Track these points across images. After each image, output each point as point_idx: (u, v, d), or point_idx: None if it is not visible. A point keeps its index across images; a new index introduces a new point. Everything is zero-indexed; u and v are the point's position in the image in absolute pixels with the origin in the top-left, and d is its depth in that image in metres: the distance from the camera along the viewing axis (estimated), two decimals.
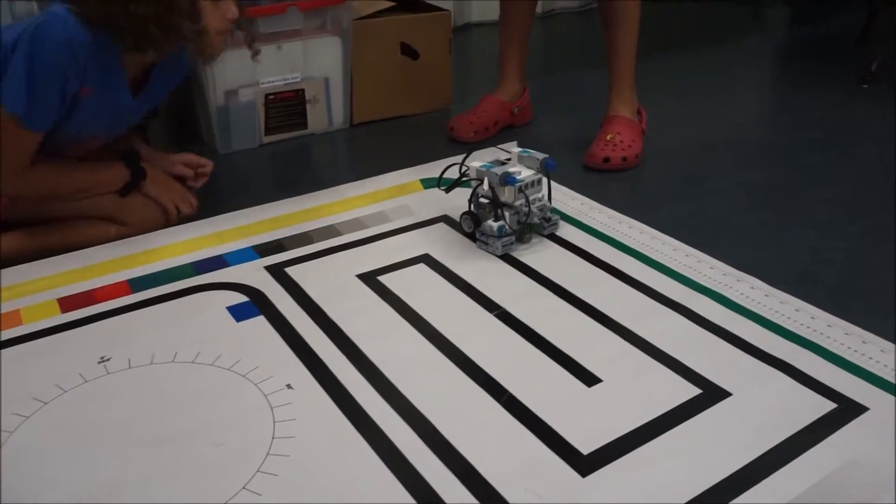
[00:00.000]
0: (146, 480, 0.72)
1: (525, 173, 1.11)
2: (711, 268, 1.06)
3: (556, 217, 1.16)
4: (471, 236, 1.13)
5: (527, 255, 1.09)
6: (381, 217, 1.22)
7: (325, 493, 0.70)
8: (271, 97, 1.53)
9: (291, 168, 1.50)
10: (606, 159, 1.39)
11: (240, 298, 1.01)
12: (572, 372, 0.86)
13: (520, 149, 1.16)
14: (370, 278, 1.05)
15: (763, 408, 0.80)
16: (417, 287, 1.03)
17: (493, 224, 1.09)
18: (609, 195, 1.29)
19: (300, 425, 0.78)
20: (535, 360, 0.88)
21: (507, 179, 1.08)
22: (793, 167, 1.43)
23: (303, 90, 1.56)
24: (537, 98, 1.68)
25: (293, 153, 1.55)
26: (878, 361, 0.87)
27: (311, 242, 1.15)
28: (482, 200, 1.12)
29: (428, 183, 1.33)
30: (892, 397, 0.81)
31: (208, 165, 1.27)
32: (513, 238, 1.10)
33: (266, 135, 1.56)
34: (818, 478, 0.71)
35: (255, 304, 0.99)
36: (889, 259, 1.11)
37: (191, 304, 1.00)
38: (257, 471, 0.72)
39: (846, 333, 0.92)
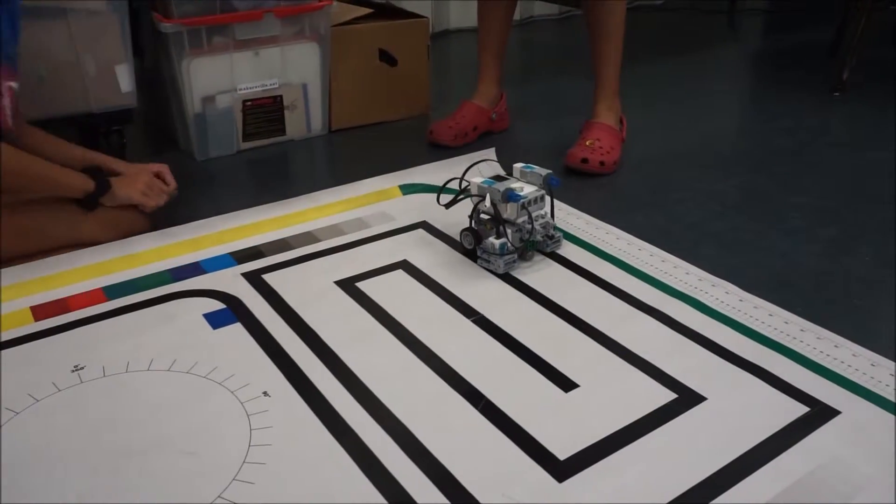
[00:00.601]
0: (119, 490, 0.71)
1: (527, 189, 1.09)
2: (687, 273, 1.08)
3: (558, 234, 1.14)
4: (471, 254, 1.11)
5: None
6: (359, 223, 1.22)
7: (301, 501, 0.70)
8: (249, 103, 1.53)
9: (269, 174, 1.49)
10: (584, 160, 1.41)
11: (217, 306, 1.00)
12: (549, 377, 0.86)
13: (522, 164, 1.14)
14: (348, 285, 1.05)
15: (737, 412, 0.81)
16: (396, 293, 1.03)
17: (494, 241, 1.06)
18: (586, 201, 1.30)
19: (277, 433, 0.78)
20: (513, 366, 0.89)
21: (510, 196, 1.05)
22: (766, 174, 1.45)
23: (280, 96, 1.56)
24: (515, 105, 1.69)
25: (271, 160, 1.54)
26: (849, 365, 0.88)
27: (288, 249, 1.15)
28: (483, 217, 1.09)
29: (407, 189, 1.33)
30: (863, 400, 0.83)
31: (171, 185, 1.23)
32: (515, 256, 1.08)
33: (244, 141, 1.56)
34: (791, 481, 0.72)
35: (232, 312, 0.99)
36: (860, 263, 1.13)
37: (167, 312, 0.99)
38: (233, 479, 0.72)
39: (818, 338, 0.93)
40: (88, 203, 1.11)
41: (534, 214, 1.09)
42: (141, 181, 1.16)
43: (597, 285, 1.05)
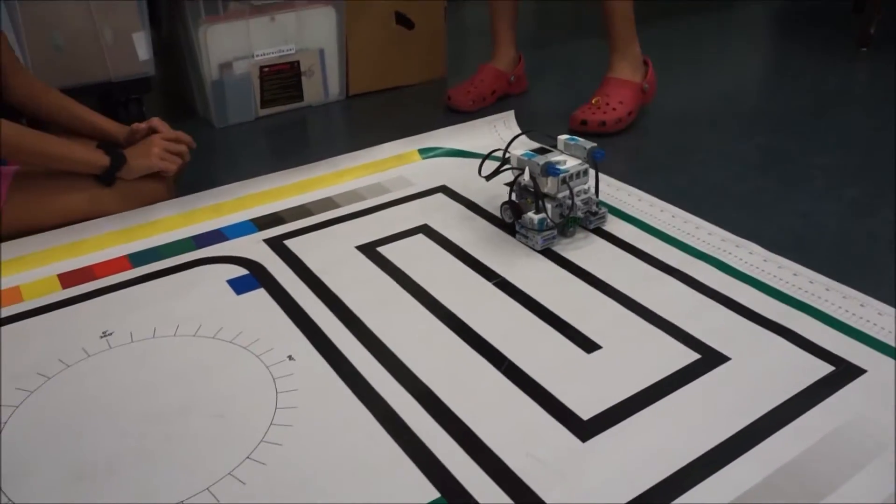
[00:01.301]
0: (148, 453, 0.72)
1: (570, 163, 1.04)
2: (710, 234, 1.07)
3: (603, 210, 1.08)
4: (510, 228, 1.08)
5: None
6: (379, 188, 1.22)
7: (328, 462, 0.71)
8: (266, 69, 1.52)
9: (288, 141, 1.49)
10: (584, 122, 1.40)
11: (239, 272, 1.01)
12: (571, 339, 0.87)
13: (566, 136, 1.09)
14: (369, 249, 1.05)
15: (761, 371, 0.81)
16: (416, 257, 1.03)
17: (533, 217, 1.02)
18: (605, 162, 1.29)
19: (302, 396, 0.79)
20: (535, 328, 0.89)
21: (549, 169, 1.01)
22: (789, 133, 1.43)
23: (298, 62, 1.55)
24: (532, 68, 1.67)
25: (290, 126, 1.54)
26: (875, 324, 0.88)
27: (309, 215, 1.15)
28: (523, 190, 1.05)
29: (426, 153, 1.32)
30: (890, 359, 0.82)
31: (186, 140, 1.19)
32: (554, 232, 1.03)
33: (262, 108, 1.55)
34: (816, 439, 0.72)
35: (254, 277, 0.99)
36: (885, 222, 1.11)
37: (191, 278, 1.00)
38: (261, 441, 0.73)
39: (844, 297, 0.93)
40: (106, 179, 1.11)
41: (575, 189, 1.04)
42: (156, 147, 1.14)
43: (618, 247, 1.05)
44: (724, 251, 1.02)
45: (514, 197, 1.07)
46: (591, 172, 1.08)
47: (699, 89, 1.66)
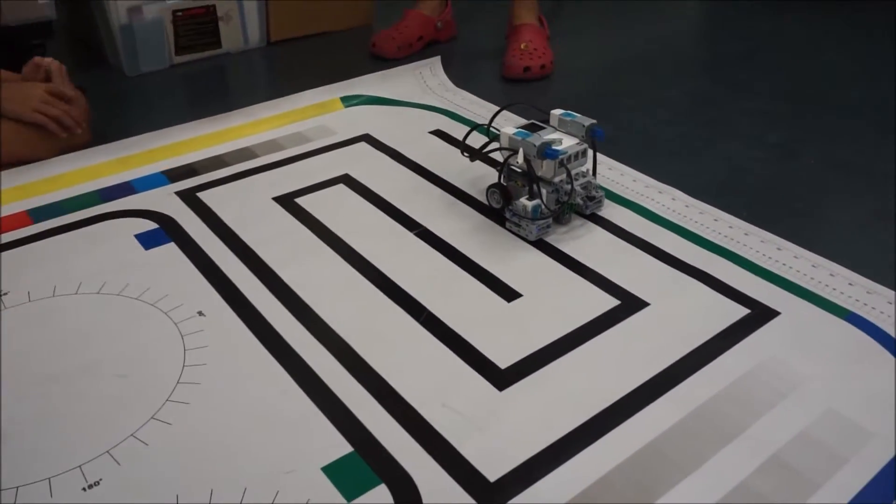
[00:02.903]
0: (47, 415, 0.68)
1: (567, 142, 0.94)
2: (634, 180, 1.06)
3: (600, 194, 0.98)
4: (498, 214, 0.98)
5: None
6: (299, 138, 1.18)
7: (237, 419, 0.68)
8: (179, 14, 1.44)
9: (205, 89, 1.42)
10: (527, 68, 1.38)
11: (149, 226, 0.96)
12: (492, 288, 0.85)
13: (561, 111, 0.97)
14: (287, 201, 1.01)
15: (679, 316, 0.81)
16: (336, 208, 1.00)
17: (526, 203, 0.91)
18: (530, 110, 1.26)
19: (212, 352, 0.76)
20: (456, 278, 0.87)
21: (547, 152, 0.89)
22: (716, 80, 1.43)
23: (214, 6, 1.47)
24: (462, 13, 1.62)
25: (207, 74, 1.47)
26: (791, 267, 0.89)
27: (224, 166, 1.10)
28: (513, 171, 0.95)
29: (349, 101, 1.28)
30: (803, 301, 0.83)
31: (77, 106, 1.10)
32: (549, 220, 0.93)
33: (177, 55, 1.47)
34: (730, 381, 0.73)
35: (164, 232, 0.95)
36: (805, 167, 1.12)
37: (96, 234, 0.95)
38: (166, 400, 0.70)
39: (762, 241, 0.93)
40: None
41: (573, 172, 0.94)
42: (36, 96, 1.06)
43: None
44: (647, 197, 1.02)
45: (502, 179, 0.96)
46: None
47: (625, 36, 1.65)
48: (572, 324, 0.80)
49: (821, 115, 1.28)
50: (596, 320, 0.80)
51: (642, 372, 0.74)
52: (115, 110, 1.30)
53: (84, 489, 0.62)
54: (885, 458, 0.65)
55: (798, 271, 0.88)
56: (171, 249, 0.91)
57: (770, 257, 0.90)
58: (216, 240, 0.93)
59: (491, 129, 1.03)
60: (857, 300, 0.83)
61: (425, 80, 1.36)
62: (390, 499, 0.61)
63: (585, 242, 0.93)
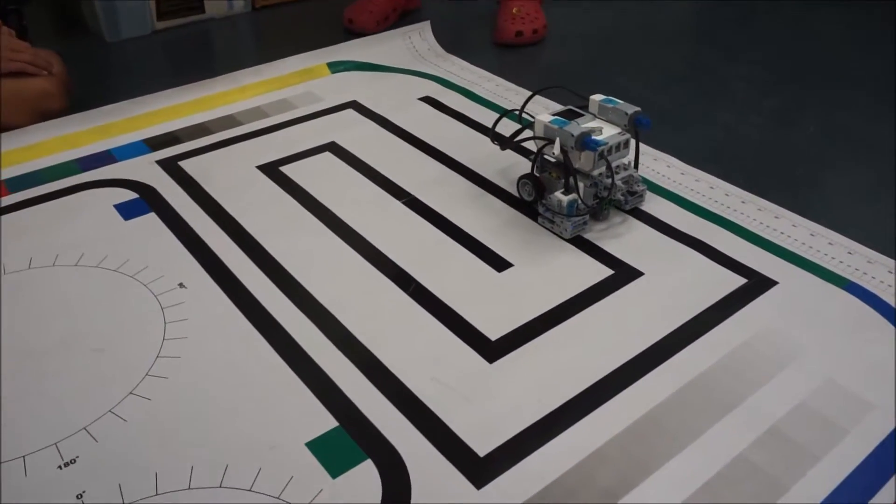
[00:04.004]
0: (21, 393, 0.66)
1: (608, 132, 0.85)
2: None
3: (642, 188, 0.90)
4: (529, 207, 0.90)
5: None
6: (284, 104, 1.14)
7: (218, 393, 0.66)
8: None
9: (188, 56, 1.38)
10: (519, 33, 1.34)
11: (129, 195, 0.93)
12: (483, 257, 0.83)
13: (602, 97, 0.89)
14: (272, 169, 0.98)
15: (674, 286, 0.79)
16: (322, 176, 0.97)
17: (562, 198, 0.83)
18: (523, 77, 1.23)
19: (193, 325, 0.73)
20: (445, 248, 0.84)
21: (587, 142, 0.81)
22: (712, 45, 1.40)
23: None
24: None
25: (190, 40, 1.43)
26: (789, 236, 0.87)
27: (207, 134, 1.07)
28: (548, 162, 0.86)
29: (335, 67, 1.24)
30: (801, 270, 0.81)
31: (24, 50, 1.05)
32: (586, 217, 0.85)
33: (159, 20, 1.43)
34: (726, 351, 0.71)
35: (145, 201, 0.92)
36: (803, 135, 1.10)
37: (74, 204, 0.92)
38: (146, 374, 0.68)
39: (759, 209, 0.91)
40: None
41: (614, 164, 0.86)
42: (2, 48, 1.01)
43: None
44: (642, 165, 0.99)
45: (535, 170, 0.88)
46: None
47: (615, 3, 1.61)
48: (565, 294, 0.77)
49: (818, 82, 1.25)
50: (590, 290, 0.78)
51: (637, 343, 0.72)
52: (95, 77, 1.26)
53: (60, 467, 0.60)
54: (885, 430, 0.63)
55: (796, 240, 0.86)
56: (151, 220, 0.88)
57: (767, 226, 0.88)
58: (198, 210, 0.90)
59: (523, 115, 0.95)
60: (856, 269, 0.81)
61: (414, 45, 1.32)
62: (376, 474, 0.59)
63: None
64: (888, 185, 0.97)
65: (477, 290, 0.78)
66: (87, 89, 1.18)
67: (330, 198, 0.92)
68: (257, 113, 1.12)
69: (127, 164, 1.00)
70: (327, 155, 1.02)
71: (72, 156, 1.01)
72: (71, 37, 1.42)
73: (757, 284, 0.79)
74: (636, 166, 0.90)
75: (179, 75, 1.23)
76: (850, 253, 0.84)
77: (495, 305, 0.76)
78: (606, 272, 0.80)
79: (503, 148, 0.94)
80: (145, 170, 0.98)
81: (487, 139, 1.05)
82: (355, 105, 1.14)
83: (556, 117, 0.85)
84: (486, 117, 1.10)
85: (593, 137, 0.82)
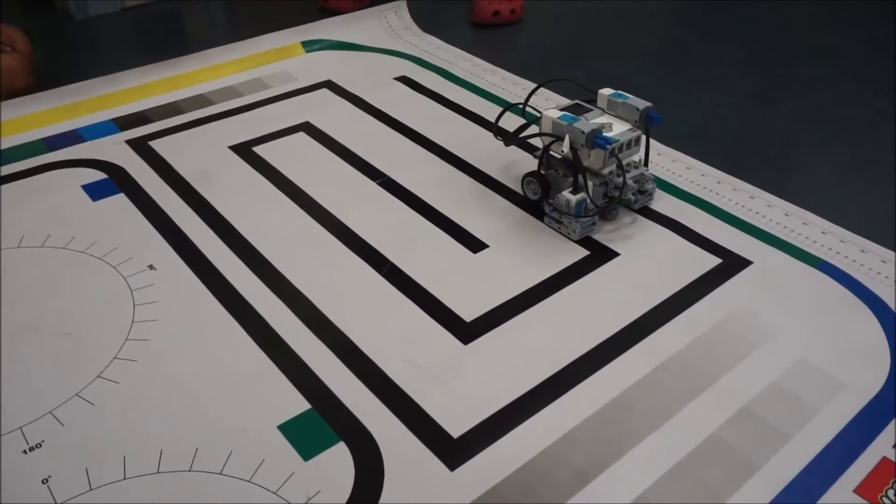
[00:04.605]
0: None
1: (618, 128, 0.82)
2: None
3: (652, 187, 0.87)
4: (534, 205, 0.87)
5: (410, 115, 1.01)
6: (258, 84, 1.12)
7: (188, 376, 0.65)
8: None
9: (159, 34, 1.35)
10: (496, 12, 1.33)
11: (97, 176, 0.91)
12: (458, 239, 0.82)
13: (610, 91, 0.86)
14: (244, 149, 0.97)
15: (649, 267, 0.79)
16: (296, 157, 0.96)
17: (570, 197, 0.80)
18: (501, 57, 1.22)
19: (163, 308, 0.72)
20: (420, 229, 0.84)
21: (598, 140, 0.78)
22: (690, 25, 1.39)
23: None
24: None
25: (161, 18, 1.40)
26: (763, 216, 0.87)
27: (179, 113, 1.05)
28: (553, 156, 0.83)
29: (310, 46, 1.22)
30: (775, 250, 0.81)
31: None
32: (595, 218, 0.83)
33: None
34: (701, 332, 0.71)
35: (114, 182, 0.90)
36: (779, 115, 1.10)
37: (40, 184, 0.90)
38: (114, 358, 0.67)
39: (734, 189, 0.91)
40: None
41: (624, 162, 0.83)
42: None
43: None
44: None
45: (541, 167, 0.85)
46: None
47: None
48: (541, 275, 0.77)
49: (795, 62, 1.25)
50: (565, 271, 0.78)
51: (611, 324, 0.71)
52: (62, 55, 1.24)
53: (25, 451, 0.59)
54: (856, 408, 0.63)
55: (771, 220, 0.86)
56: (120, 200, 0.87)
57: (743, 206, 0.88)
58: (168, 190, 0.89)
59: (527, 108, 0.91)
60: (829, 249, 0.82)
61: (390, 24, 1.31)
62: (349, 457, 0.59)
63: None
64: (862, 165, 0.98)
65: (452, 271, 0.78)
66: (55, 67, 1.16)
67: (304, 178, 0.91)
68: (230, 92, 1.10)
69: (95, 144, 0.97)
70: (301, 135, 1.00)
71: (38, 135, 0.99)
72: (37, 13, 1.38)
73: (732, 264, 0.79)
74: (646, 163, 0.87)
75: (150, 54, 1.21)
76: (823, 233, 0.84)
77: (470, 287, 0.75)
78: (582, 252, 0.80)
79: (507, 144, 0.91)
80: (114, 150, 0.96)
81: (464, 119, 1.05)
82: (330, 84, 1.12)
83: (565, 113, 0.82)
84: (464, 98, 1.09)
85: (605, 136, 0.79)
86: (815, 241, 0.83)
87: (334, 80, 1.14)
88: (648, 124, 0.83)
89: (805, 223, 0.85)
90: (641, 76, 1.20)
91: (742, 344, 0.70)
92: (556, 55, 1.27)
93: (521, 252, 0.80)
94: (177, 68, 1.14)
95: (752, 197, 0.90)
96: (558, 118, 0.80)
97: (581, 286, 0.76)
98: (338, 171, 0.93)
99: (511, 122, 0.94)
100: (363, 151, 0.97)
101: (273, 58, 1.19)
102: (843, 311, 0.74)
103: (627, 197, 0.84)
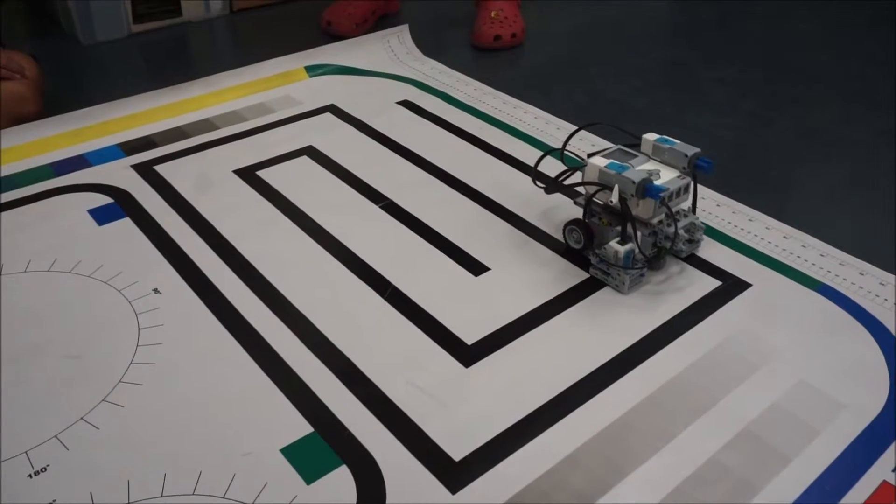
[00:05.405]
0: None
1: (666, 175, 0.79)
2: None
3: (700, 234, 0.83)
4: (577, 255, 0.83)
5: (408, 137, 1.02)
6: (262, 108, 1.14)
7: (192, 400, 0.66)
8: None
9: (164, 60, 1.37)
10: (497, 37, 1.34)
11: (103, 200, 0.92)
12: (460, 262, 0.83)
13: (656, 136, 0.81)
14: (248, 174, 0.98)
15: (650, 290, 0.79)
16: (299, 181, 0.97)
17: (618, 248, 0.76)
18: (501, 80, 1.24)
19: (167, 331, 0.73)
20: (422, 252, 0.84)
21: (649, 189, 0.74)
22: (689, 47, 1.41)
23: None
24: None
25: (167, 44, 1.42)
26: (762, 238, 0.87)
27: (183, 138, 1.06)
28: (597, 202, 0.79)
29: (313, 70, 1.24)
30: (775, 273, 0.82)
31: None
32: (644, 270, 0.79)
33: (135, 23, 1.42)
34: (701, 354, 0.71)
35: (119, 206, 0.91)
36: (778, 136, 1.11)
37: (47, 209, 0.91)
38: (119, 381, 0.67)
39: (733, 212, 0.92)
40: None
41: (674, 209, 0.79)
42: None
43: (513, 166, 1.01)
44: None
45: (585, 216, 0.80)
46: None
47: (599, 3, 1.62)
48: (541, 298, 0.78)
49: (793, 83, 1.26)
50: (565, 294, 0.78)
51: (612, 346, 0.72)
52: (70, 80, 1.25)
53: (30, 476, 0.59)
54: (855, 431, 0.64)
55: (770, 242, 0.87)
56: (126, 225, 0.88)
57: (742, 228, 0.89)
58: (173, 214, 0.90)
59: (565, 153, 0.89)
60: (828, 271, 0.82)
61: (393, 48, 1.32)
62: (351, 480, 0.59)
63: (558, 215, 0.90)
64: (860, 186, 0.98)
65: (453, 293, 0.78)
66: (62, 92, 1.17)
67: (307, 202, 0.92)
68: (235, 117, 1.11)
69: (101, 169, 0.99)
70: (305, 159, 1.01)
71: (46, 160, 1.00)
72: (45, 39, 1.40)
73: (731, 287, 0.80)
74: (694, 210, 0.84)
75: (156, 79, 1.22)
76: (822, 255, 0.85)
77: (471, 309, 0.76)
78: (583, 275, 0.81)
79: (549, 192, 0.87)
80: (120, 174, 0.97)
81: (464, 142, 1.06)
82: (333, 109, 1.14)
83: (612, 161, 0.78)
84: (465, 121, 1.10)
85: (656, 185, 0.75)
86: (813, 264, 0.83)
87: (337, 104, 1.15)
88: (698, 171, 0.79)
89: (804, 246, 0.86)
90: (641, 97, 1.22)
91: (742, 366, 0.70)
92: (557, 78, 1.28)
93: (522, 275, 0.81)
94: (182, 93, 1.16)
95: (751, 220, 0.90)
96: (605, 167, 0.76)
97: (582, 308, 0.77)
98: (341, 194, 0.95)
99: (547, 165, 0.92)
100: (366, 175, 0.98)
101: (277, 82, 1.20)
102: (842, 333, 0.74)
103: (679, 247, 0.81)
